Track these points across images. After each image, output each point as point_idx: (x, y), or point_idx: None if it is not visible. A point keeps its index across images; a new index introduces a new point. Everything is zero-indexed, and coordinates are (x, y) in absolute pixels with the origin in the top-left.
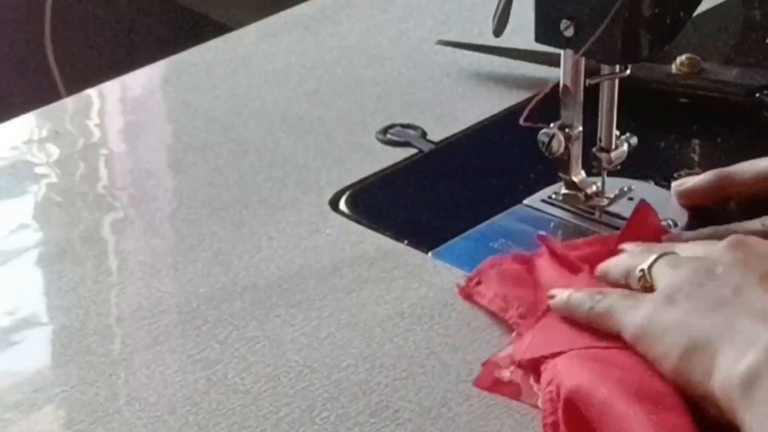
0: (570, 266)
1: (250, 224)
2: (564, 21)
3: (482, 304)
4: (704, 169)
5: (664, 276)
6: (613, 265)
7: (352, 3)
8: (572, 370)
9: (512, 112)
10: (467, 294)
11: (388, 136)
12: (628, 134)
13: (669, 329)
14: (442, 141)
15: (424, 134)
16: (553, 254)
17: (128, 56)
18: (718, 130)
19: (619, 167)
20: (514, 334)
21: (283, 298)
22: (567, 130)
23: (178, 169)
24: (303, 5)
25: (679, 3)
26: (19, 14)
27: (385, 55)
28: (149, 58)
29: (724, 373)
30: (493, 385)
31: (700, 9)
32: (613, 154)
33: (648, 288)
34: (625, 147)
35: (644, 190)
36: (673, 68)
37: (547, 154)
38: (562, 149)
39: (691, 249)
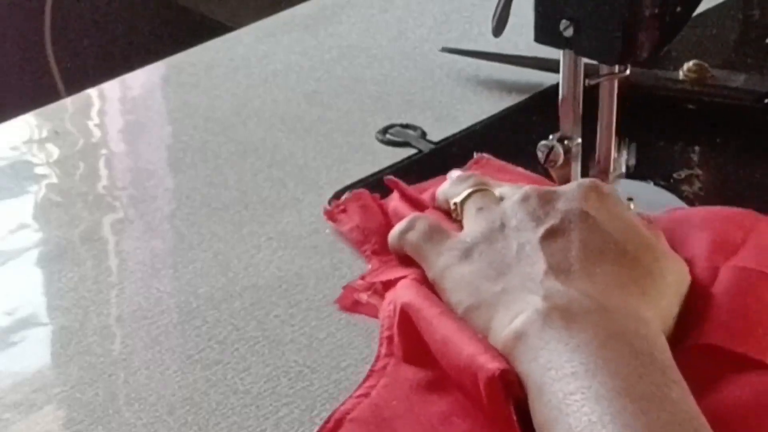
0: (418, 204)
1: (250, 224)
2: (564, 21)
3: (342, 231)
4: (708, 172)
5: (468, 220)
6: (440, 191)
7: (352, 3)
8: (407, 291)
9: (512, 113)
10: (331, 216)
11: (388, 136)
12: (626, 155)
13: (459, 285)
14: (441, 141)
15: (423, 134)
16: (404, 196)
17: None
18: (726, 136)
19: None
20: (369, 265)
21: (283, 298)
22: (566, 141)
23: (178, 169)
24: (303, 5)
25: (679, 3)
26: (19, 14)
27: (385, 55)
28: (149, 58)
29: (498, 334)
30: (353, 305)
31: (700, 9)
32: (610, 176)
33: (460, 222)
34: (623, 169)
35: (644, 190)
36: (681, 74)
37: (546, 165)
38: (561, 161)
39: (501, 188)
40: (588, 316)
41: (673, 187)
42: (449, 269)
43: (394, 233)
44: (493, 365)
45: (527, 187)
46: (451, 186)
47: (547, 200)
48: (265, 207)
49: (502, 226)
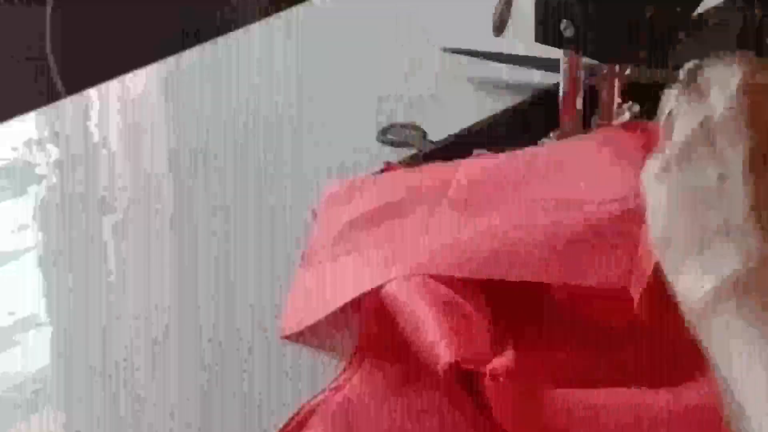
0: None
1: (250, 224)
2: (564, 21)
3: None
4: None
5: (669, 128)
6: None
7: (352, 3)
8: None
9: (512, 113)
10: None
11: (388, 136)
12: (630, 102)
13: (654, 207)
14: (441, 141)
15: (424, 134)
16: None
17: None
18: None
19: None
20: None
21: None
22: None
23: (178, 170)
24: (303, 5)
25: (679, 3)
26: (19, 14)
27: (385, 55)
28: (149, 58)
29: (688, 291)
30: None
31: (700, 9)
32: (614, 123)
33: None
34: (627, 115)
35: None
36: (681, 75)
37: None
38: None
39: None
40: None
41: None
42: (649, 179)
43: None
44: (446, 356)
45: (737, 77)
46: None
47: (761, 93)
48: (265, 207)
49: (707, 133)
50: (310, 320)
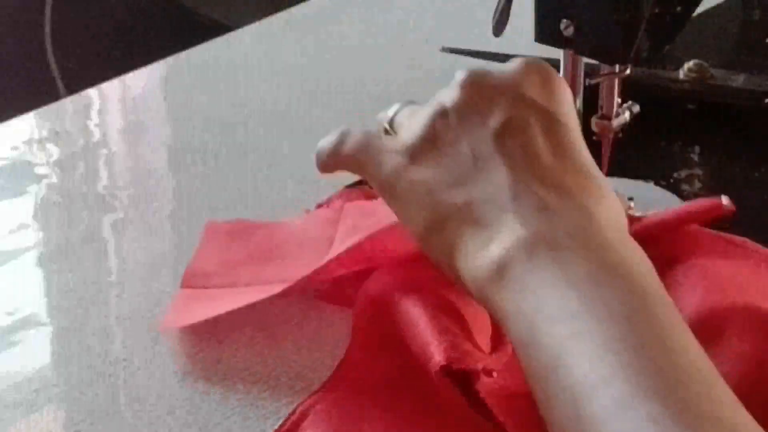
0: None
1: None
2: (564, 21)
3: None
4: (707, 172)
5: (402, 125)
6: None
7: (352, 3)
8: (380, 280)
9: None
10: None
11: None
12: (630, 102)
13: (412, 196)
14: None
15: None
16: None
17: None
18: (726, 136)
19: (620, 135)
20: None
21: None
22: None
23: (178, 169)
24: (303, 5)
25: (679, 3)
26: (19, 14)
27: (385, 55)
28: (149, 58)
29: (471, 263)
30: (337, 298)
31: (700, 9)
32: (614, 122)
33: None
34: (627, 115)
35: (644, 190)
36: (681, 74)
37: None
38: None
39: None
40: (578, 246)
41: (673, 187)
42: (396, 175)
43: (322, 150)
44: (438, 357)
45: (460, 73)
46: (384, 111)
47: (486, 86)
48: (265, 207)
49: (443, 117)
50: (191, 320)
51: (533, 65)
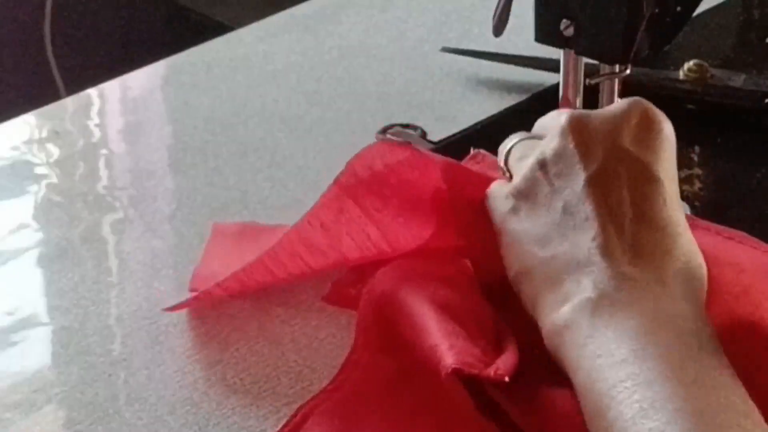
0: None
1: None
2: (564, 21)
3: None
4: (707, 172)
5: (513, 168)
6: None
7: (352, 3)
8: (386, 278)
9: (512, 113)
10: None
11: (388, 136)
12: None
13: (510, 245)
14: (441, 141)
15: (424, 134)
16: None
17: (128, 56)
18: (726, 136)
19: None
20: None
21: (282, 298)
22: None
23: (178, 169)
24: (303, 5)
25: (679, 3)
26: (19, 14)
27: (385, 55)
28: (149, 58)
29: (545, 318)
30: (341, 300)
31: (700, 9)
32: None
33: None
34: None
35: None
36: (681, 74)
37: None
38: None
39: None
40: (636, 303)
41: None
42: (502, 221)
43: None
44: (449, 360)
45: (563, 118)
46: (502, 144)
47: (590, 130)
48: (265, 207)
49: (543, 169)
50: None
51: (636, 108)
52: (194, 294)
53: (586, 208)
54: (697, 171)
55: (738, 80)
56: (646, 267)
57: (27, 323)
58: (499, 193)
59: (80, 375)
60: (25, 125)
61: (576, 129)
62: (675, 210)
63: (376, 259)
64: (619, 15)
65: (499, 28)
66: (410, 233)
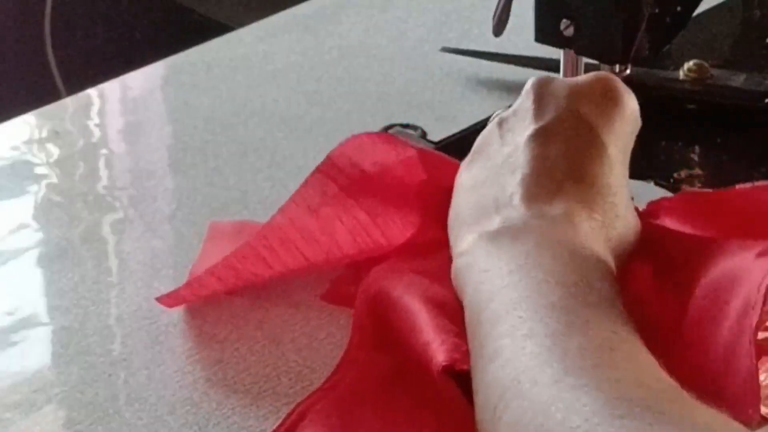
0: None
1: None
2: (564, 21)
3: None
4: (707, 172)
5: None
6: None
7: (352, 3)
8: (381, 276)
9: None
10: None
11: None
12: None
13: (456, 192)
14: (442, 141)
15: (424, 134)
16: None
17: (128, 56)
18: (726, 136)
19: None
20: None
21: (283, 298)
22: None
23: (178, 169)
24: (303, 5)
25: (679, 3)
26: (19, 14)
27: (385, 55)
28: (149, 58)
29: (456, 251)
30: (340, 299)
31: (700, 9)
32: None
33: None
34: None
35: (644, 190)
36: (681, 74)
37: None
38: None
39: None
40: (539, 233)
41: (673, 187)
42: (458, 177)
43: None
44: (440, 357)
45: (529, 81)
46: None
47: (550, 91)
48: (265, 207)
49: (500, 126)
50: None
51: (602, 79)
52: (186, 283)
53: (522, 156)
54: (697, 171)
55: (738, 80)
56: (562, 210)
57: (27, 323)
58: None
59: (80, 375)
60: (25, 125)
61: (537, 89)
62: (614, 177)
63: (369, 248)
64: (619, 15)
65: (499, 28)
66: (401, 220)
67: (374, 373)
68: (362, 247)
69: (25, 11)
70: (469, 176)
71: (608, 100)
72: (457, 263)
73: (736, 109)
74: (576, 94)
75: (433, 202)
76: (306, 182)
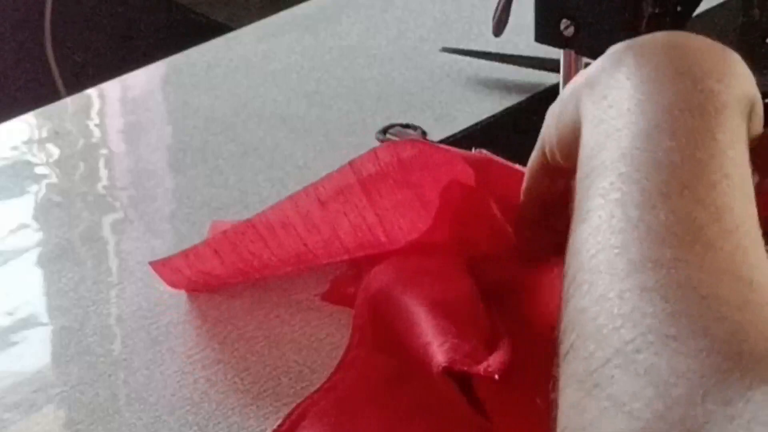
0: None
1: None
2: (564, 21)
3: None
4: None
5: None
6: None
7: (352, 3)
8: (381, 276)
9: (512, 113)
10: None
11: (388, 136)
12: None
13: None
14: (442, 141)
15: (424, 134)
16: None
17: (128, 56)
18: None
19: None
20: None
21: (283, 298)
22: None
23: (178, 169)
24: (303, 5)
25: (679, 3)
26: (19, 14)
27: (385, 55)
28: (149, 58)
29: (578, 80)
30: (340, 299)
31: (700, 9)
32: None
33: None
34: None
35: None
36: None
37: None
38: None
39: None
40: (664, 50)
41: None
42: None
43: None
44: (440, 357)
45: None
46: None
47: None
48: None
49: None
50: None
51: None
52: (183, 253)
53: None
54: None
55: None
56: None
57: (27, 323)
58: None
59: (80, 375)
60: (25, 125)
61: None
62: None
63: (369, 245)
64: (619, 15)
65: (499, 28)
66: (407, 225)
67: (374, 374)
68: (362, 242)
69: (25, 11)
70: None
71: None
72: (578, 89)
73: None
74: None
75: (452, 208)
76: (329, 175)
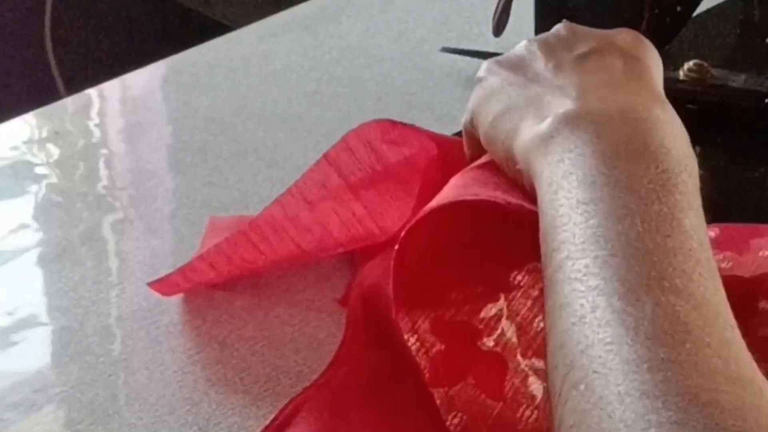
0: None
1: None
2: (564, 21)
3: None
4: (708, 172)
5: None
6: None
7: (352, 3)
8: (374, 272)
9: None
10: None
11: None
12: None
13: (488, 93)
14: None
15: None
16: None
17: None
18: (726, 136)
19: None
20: None
21: (283, 298)
22: None
23: (178, 169)
24: (303, 5)
25: (679, 3)
26: (19, 14)
27: (385, 55)
28: (149, 58)
29: (523, 137)
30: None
31: (700, 9)
32: None
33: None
34: None
35: None
36: (681, 74)
37: None
38: None
39: None
40: (621, 125)
41: None
42: (479, 84)
43: None
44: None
45: (565, 22)
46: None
47: (579, 30)
48: (265, 207)
49: (532, 44)
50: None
51: (630, 31)
52: (179, 269)
53: (577, 70)
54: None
55: (738, 80)
56: (636, 102)
57: (27, 323)
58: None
59: (80, 375)
60: (25, 125)
61: (571, 27)
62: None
63: (361, 237)
64: (619, 15)
65: (499, 28)
66: (396, 211)
67: (367, 369)
68: (355, 236)
69: (25, 11)
70: (503, 76)
71: (640, 40)
72: (534, 144)
73: (736, 109)
74: (610, 34)
75: (435, 188)
76: (308, 172)
